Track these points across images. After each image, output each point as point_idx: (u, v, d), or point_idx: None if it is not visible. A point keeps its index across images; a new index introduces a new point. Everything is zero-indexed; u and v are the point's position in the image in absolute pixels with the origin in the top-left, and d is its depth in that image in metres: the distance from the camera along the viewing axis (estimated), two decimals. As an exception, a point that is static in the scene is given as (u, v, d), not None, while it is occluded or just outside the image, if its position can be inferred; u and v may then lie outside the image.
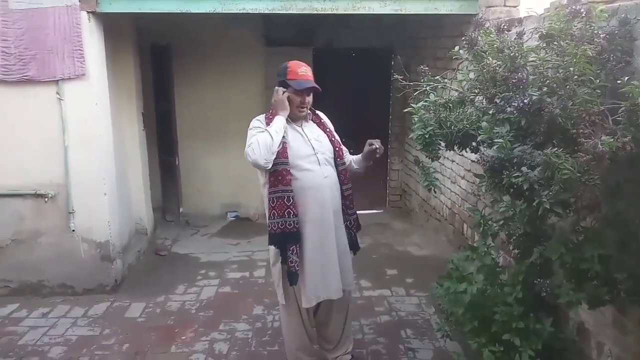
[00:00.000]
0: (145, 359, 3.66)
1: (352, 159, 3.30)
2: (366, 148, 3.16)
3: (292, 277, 2.94)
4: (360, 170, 3.30)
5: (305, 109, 2.99)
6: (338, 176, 3.08)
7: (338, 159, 3.10)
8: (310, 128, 3.07)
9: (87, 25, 4.24)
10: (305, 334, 3.21)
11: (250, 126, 2.93)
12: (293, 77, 2.92)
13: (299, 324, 3.17)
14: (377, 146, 3.08)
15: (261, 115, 3.02)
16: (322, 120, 3.19)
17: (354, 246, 3.27)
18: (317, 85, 2.95)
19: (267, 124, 2.90)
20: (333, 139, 3.13)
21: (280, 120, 2.88)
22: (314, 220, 2.94)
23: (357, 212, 3.27)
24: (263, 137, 2.77)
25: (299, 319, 3.15)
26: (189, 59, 6.40)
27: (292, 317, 3.16)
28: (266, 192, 2.95)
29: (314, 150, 2.97)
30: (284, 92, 2.92)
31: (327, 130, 3.15)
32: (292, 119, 3.00)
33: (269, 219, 2.93)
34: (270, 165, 2.82)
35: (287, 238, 2.90)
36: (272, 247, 2.99)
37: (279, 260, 2.98)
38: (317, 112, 3.20)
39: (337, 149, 3.11)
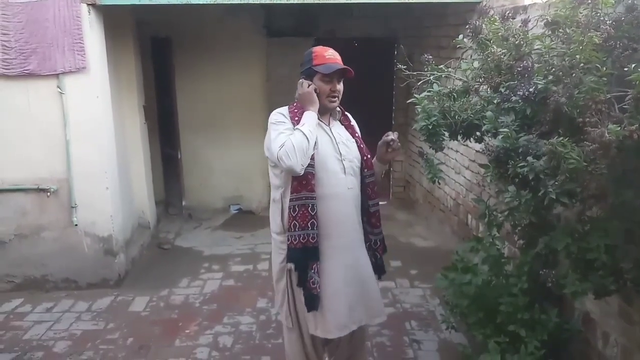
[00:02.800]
0: (149, 352, 3.66)
1: None
2: (380, 143, 2.69)
3: (312, 300, 2.49)
4: (374, 178, 2.77)
5: (336, 98, 2.58)
6: (365, 189, 2.66)
7: (366, 170, 2.66)
8: (339, 129, 2.67)
9: (87, 18, 4.21)
10: None
11: (273, 120, 2.53)
12: (320, 61, 2.52)
13: (300, 352, 2.73)
14: (393, 137, 2.64)
15: (283, 107, 2.60)
16: (352, 124, 2.78)
17: (379, 270, 2.78)
18: (349, 68, 2.54)
19: (292, 118, 2.51)
20: (362, 145, 2.71)
21: (312, 117, 2.47)
22: (332, 236, 2.55)
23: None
24: (298, 140, 2.36)
25: (301, 347, 2.71)
26: (190, 51, 6.37)
27: (294, 343, 2.73)
28: (283, 197, 2.55)
29: (340, 156, 2.58)
30: (309, 85, 2.53)
31: (357, 135, 2.74)
32: (320, 112, 2.57)
33: (288, 230, 2.49)
34: (303, 171, 2.42)
35: (309, 254, 2.48)
36: (276, 262, 2.64)
37: (284, 278, 2.61)
38: (347, 113, 2.80)
39: (365, 157, 2.68)
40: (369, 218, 2.70)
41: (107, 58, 4.62)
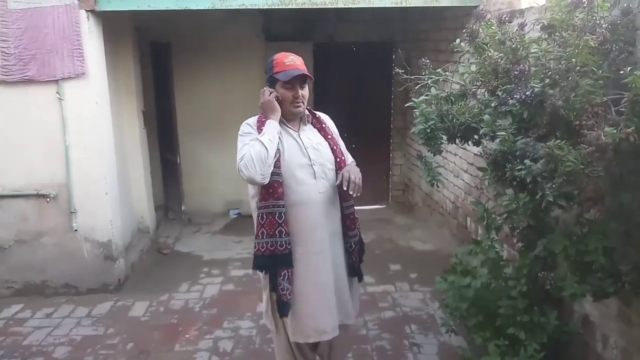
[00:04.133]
0: (149, 357, 3.66)
1: None
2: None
3: (283, 307, 2.52)
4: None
5: (301, 105, 2.54)
6: (338, 192, 2.62)
7: (338, 172, 2.58)
8: (308, 134, 2.62)
9: (86, 24, 4.22)
10: None
11: (240, 131, 2.54)
12: (280, 68, 2.50)
13: (290, 356, 2.75)
14: (341, 180, 2.48)
15: (252, 118, 2.60)
16: (325, 125, 2.71)
17: (357, 273, 2.79)
18: (307, 73, 2.50)
19: (259, 128, 2.50)
20: (335, 147, 2.65)
21: (273, 126, 2.46)
22: (306, 242, 2.54)
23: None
24: (256, 150, 2.36)
25: (289, 351, 2.73)
26: (189, 56, 6.38)
27: (282, 348, 2.75)
28: (254, 205, 2.57)
29: (310, 161, 2.54)
30: (270, 93, 2.51)
31: (330, 136, 2.68)
32: (288, 118, 2.57)
33: (256, 238, 2.51)
34: (267, 180, 2.41)
35: (278, 261, 2.48)
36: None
37: (268, 283, 2.58)
38: (319, 114, 2.76)
39: (338, 159, 2.62)
40: (344, 220, 2.68)
41: (106, 63, 4.64)
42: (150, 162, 6.07)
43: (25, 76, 4.23)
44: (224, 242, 5.97)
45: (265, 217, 2.47)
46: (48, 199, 4.44)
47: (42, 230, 4.52)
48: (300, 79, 2.51)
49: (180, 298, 4.55)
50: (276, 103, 2.50)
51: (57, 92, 4.28)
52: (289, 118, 2.58)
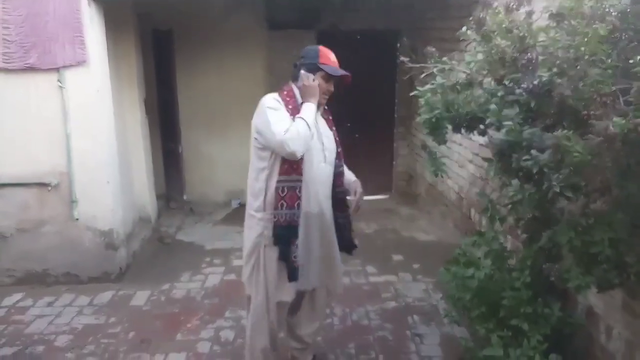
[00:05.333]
0: (151, 346, 3.66)
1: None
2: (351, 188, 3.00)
3: (294, 272, 2.76)
4: (342, 168, 3.03)
5: (327, 97, 2.82)
6: (335, 178, 2.92)
7: (337, 160, 2.92)
8: (321, 122, 2.87)
9: (87, 11, 4.19)
10: (269, 337, 2.95)
11: (269, 104, 2.66)
12: (326, 61, 2.72)
13: (266, 325, 2.92)
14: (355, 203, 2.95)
15: (273, 94, 2.75)
16: (330, 117, 2.99)
17: (349, 245, 3.08)
18: (350, 75, 2.78)
19: (286, 105, 2.67)
20: (337, 139, 2.95)
21: (313, 110, 2.67)
22: (312, 214, 2.79)
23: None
24: (303, 129, 2.56)
25: (267, 321, 2.90)
26: (191, 45, 6.34)
27: (259, 309, 2.90)
28: (268, 179, 2.72)
29: (322, 146, 2.81)
30: (314, 79, 2.70)
31: (334, 128, 2.96)
32: None
33: (276, 209, 2.70)
34: (300, 156, 2.63)
35: (292, 232, 2.73)
36: (251, 238, 2.83)
37: (255, 252, 2.81)
38: (326, 107, 2.98)
39: (339, 149, 2.94)
40: (336, 204, 2.94)
41: (108, 51, 4.60)
42: (152, 151, 6.06)
43: (27, 64, 4.20)
44: (226, 231, 5.96)
45: (286, 190, 2.68)
46: (49, 188, 4.42)
47: (43, 219, 4.51)
48: (337, 78, 2.77)
49: (182, 287, 4.55)
50: (318, 89, 2.71)
51: (58, 80, 4.26)
52: None
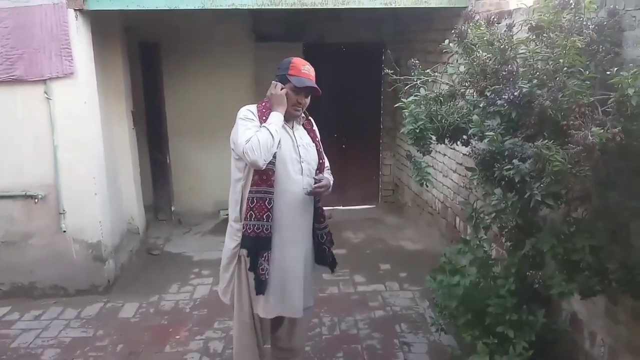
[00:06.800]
0: (139, 359, 3.64)
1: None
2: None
3: (260, 285, 2.69)
4: None
5: (300, 110, 2.76)
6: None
7: (318, 172, 2.86)
8: (300, 133, 2.83)
9: (75, 23, 4.19)
10: (256, 349, 2.92)
11: (241, 115, 2.69)
12: (295, 73, 2.69)
13: (252, 338, 2.89)
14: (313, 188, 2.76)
15: (251, 105, 2.76)
16: (313, 128, 2.94)
17: (331, 262, 3.01)
18: (317, 87, 2.72)
19: (260, 117, 2.66)
20: (320, 150, 2.90)
21: (279, 118, 2.64)
22: (285, 229, 2.74)
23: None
24: (264, 137, 2.52)
25: (253, 334, 2.88)
26: (178, 57, 6.36)
27: (244, 325, 2.88)
28: (243, 189, 2.73)
29: (299, 157, 2.75)
30: (282, 88, 2.68)
31: (317, 139, 2.92)
32: (285, 116, 2.73)
33: (245, 219, 2.69)
34: (265, 166, 2.58)
35: (261, 243, 2.68)
36: (229, 248, 2.81)
37: (234, 262, 2.78)
38: (310, 118, 2.96)
39: (321, 161, 2.88)
40: (317, 216, 2.91)
41: (95, 63, 4.60)
42: (140, 162, 6.04)
43: (13, 75, 4.19)
44: (214, 242, 5.93)
45: (255, 201, 2.66)
46: (36, 200, 4.40)
47: (30, 231, 4.48)
48: (308, 90, 2.72)
49: (171, 299, 4.53)
50: (285, 99, 2.68)
51: (45, 92, 4.25)
52: (285, 117, 2.73)
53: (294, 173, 2.73)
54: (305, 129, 2.88)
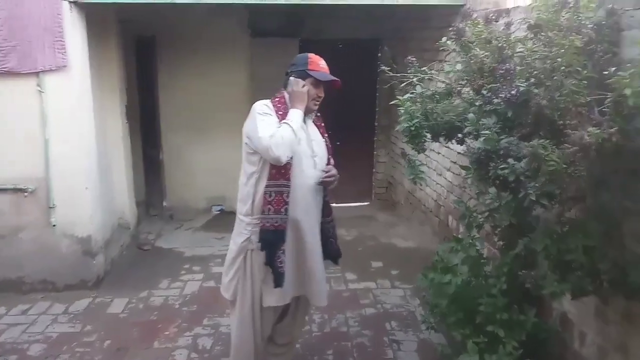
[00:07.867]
0: (127, 355, 3.61)
1: None
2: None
3: (279, 278, 2.70)
4: None
5: (319, 104, 2.81)
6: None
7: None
8: (312, 129, 2.88)
9: (69, 15, 4.15)
10: (254, 345, 2.92)
11: (259, 110, 2.68)
12: (315, 67, 2.73)
13: (252, 333, 2.88)
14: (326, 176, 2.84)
15: (265, 100, 2.76)
16: (322, 124, 2.99)
17: (336, 253, 3.08)
18: (338, 80, 2.77)
19: (276, 112, 2.69)
20: (329, 145, 2.96)
21: (300, 115, 2.67)
22: (298, 222, 2.76)
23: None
24: (288, 134, 2.56)
25: (253, 328, 2.88)
26: (174, 51, 6.32)
27: (247, 325, 2.88)
28: (257, 183, 2.72)
29: (313, 152, 2.81)
30: (303, 85, 2.71)
31: (326, 135, 2.97)
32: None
33: (262, 213, 2.69)
34: (285, 162, 2.62)
35: (278, 236, 2.70)
36: (238, 242, 2.79)
37: (240, 257, 2.78)
38: (318, 114, 2.99)
39: (329, 156, 2.94)
40: (324, 209, 2.96)
41: (89, 57, 4.55)
42: (133, 157, 5.98)
43: (4, 67, 4.13)
44: (206, 238, 5.93)
45: (273, 195, 2.68)
46: (26, 194, 4.35)
47: (19, 225, 4.43)
48: (327, 83, 2.77)
49: (160, 295, 4.50)
50: (307, 95, 2.72)
51: (38, 85, 4.20)
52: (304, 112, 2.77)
53: (307, 167, 2.77)
54: (315, 125, 2.92)
